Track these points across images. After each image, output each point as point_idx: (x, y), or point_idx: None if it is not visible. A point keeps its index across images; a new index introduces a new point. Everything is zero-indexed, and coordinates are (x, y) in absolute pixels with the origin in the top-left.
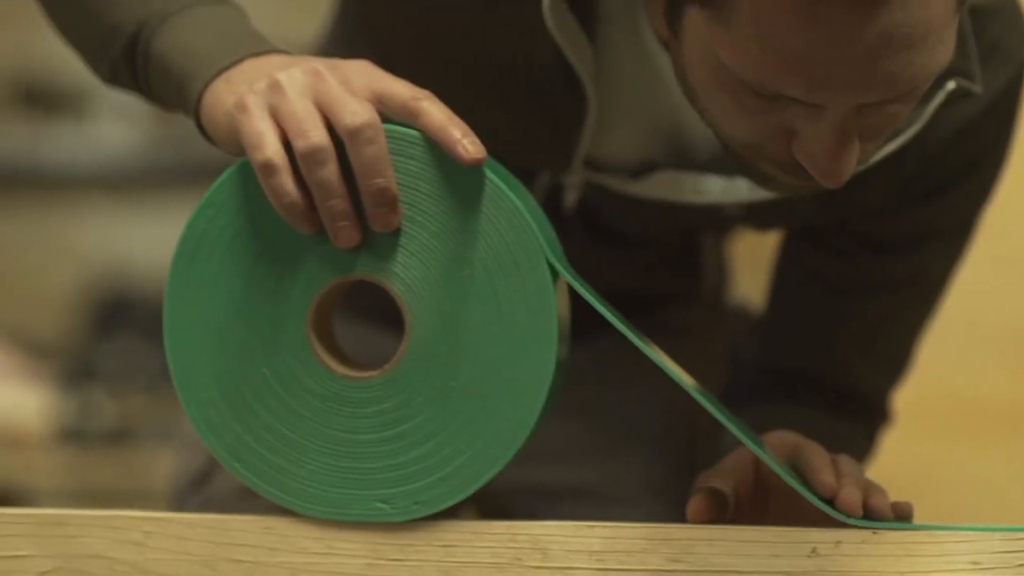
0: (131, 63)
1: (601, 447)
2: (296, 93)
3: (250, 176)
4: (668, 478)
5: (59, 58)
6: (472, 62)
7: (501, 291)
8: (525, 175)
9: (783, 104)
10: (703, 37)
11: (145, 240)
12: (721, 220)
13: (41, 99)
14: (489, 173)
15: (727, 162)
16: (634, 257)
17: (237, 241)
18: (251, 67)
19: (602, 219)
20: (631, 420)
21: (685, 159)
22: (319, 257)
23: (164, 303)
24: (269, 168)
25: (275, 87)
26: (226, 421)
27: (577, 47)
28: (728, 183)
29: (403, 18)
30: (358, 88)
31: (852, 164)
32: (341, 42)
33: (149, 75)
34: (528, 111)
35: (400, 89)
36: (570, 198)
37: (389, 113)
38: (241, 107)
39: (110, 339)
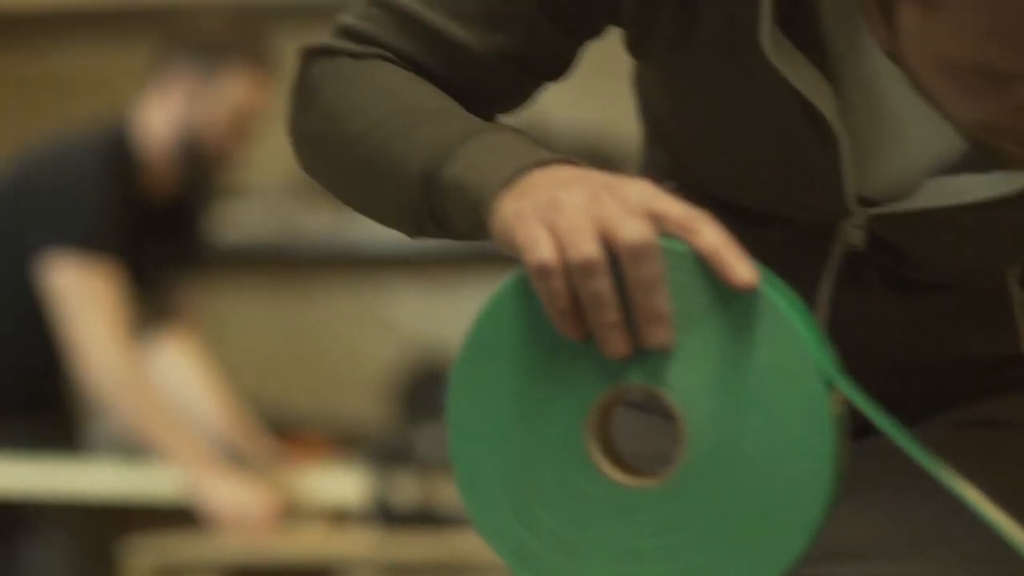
0: (429, 207)
1: (907, 541)
2: (573, 209)
3: (529, 286)
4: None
5: None
6: (729, 132)
7: (775, 400)
8: (818, 238)
9: (1011, 82)
10: (918, 29)
11: (455, 319)
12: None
13: None
14: (761, 285)
15: (977, 156)
16: (933, 309)
17: (517, 348)
18: (537, 180)
19: (894, 264)
20: (939, 512)
21: (938, 166)
22: (594, 365)
23: (448, 407)
24: (543, 271)
25: (553, 203)
26: (509, 524)
27: (810, 82)
28: (986, 178)
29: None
30: (635, 207)
31: None
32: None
33: (446, 208)
34: (785, 163)
35: (676, 209)
36: (855, 236)
37: (665, 232)
38: (518, 216)
39: (420, 419)
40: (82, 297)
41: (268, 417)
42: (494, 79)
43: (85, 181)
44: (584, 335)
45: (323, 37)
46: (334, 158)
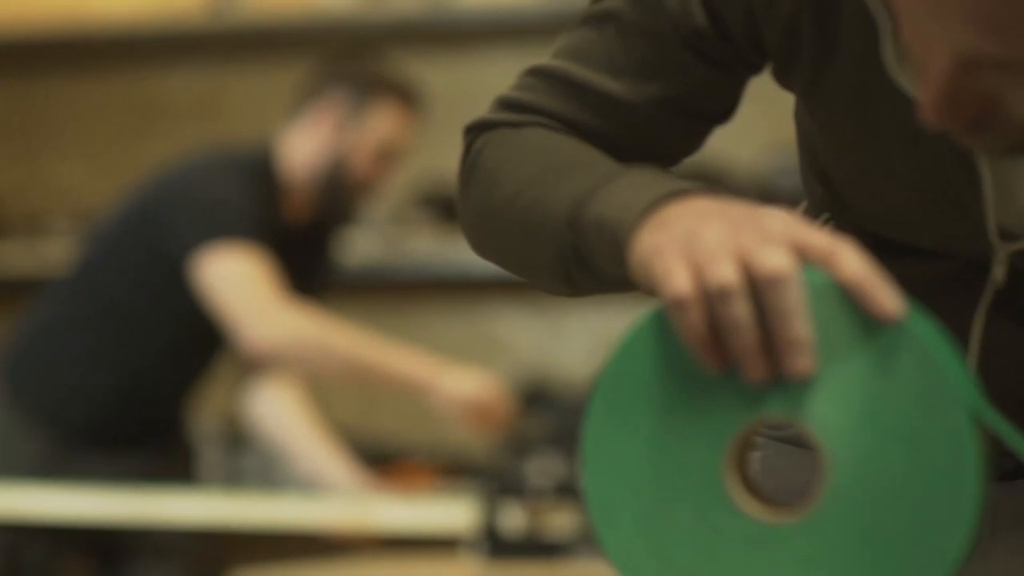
0: (576, 252)
1: None
2: (712, 238)
3: (666, 321)
4: None
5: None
6: (873, 162)
7: (919, 432)
8: (965, 272)
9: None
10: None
11: (562, 343)
12: None
13: (441, 203)
14: (905, 316)
15: None
16: None
17: (654, 383)
18: (674, 212)
19: None
20: None
21: None
22: (732, 398)
23: (583, 443)
24: (680, 302)
25: (691, 233)
26: (645, 561)
27: None
28: None
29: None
30: (775, 236)
31: None
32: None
33: (591, 249)
34: (928, 193)
35: (818, 239)
36: (997, 272)
37: (808, 261)
38: (656, 248)
39: (529, 449)
40: (239, 277)
41: (374, 445)
42: (658, 129)
43: (232, 191)
44: (723, 365)
45: (484, 112)
46: (493, 224)
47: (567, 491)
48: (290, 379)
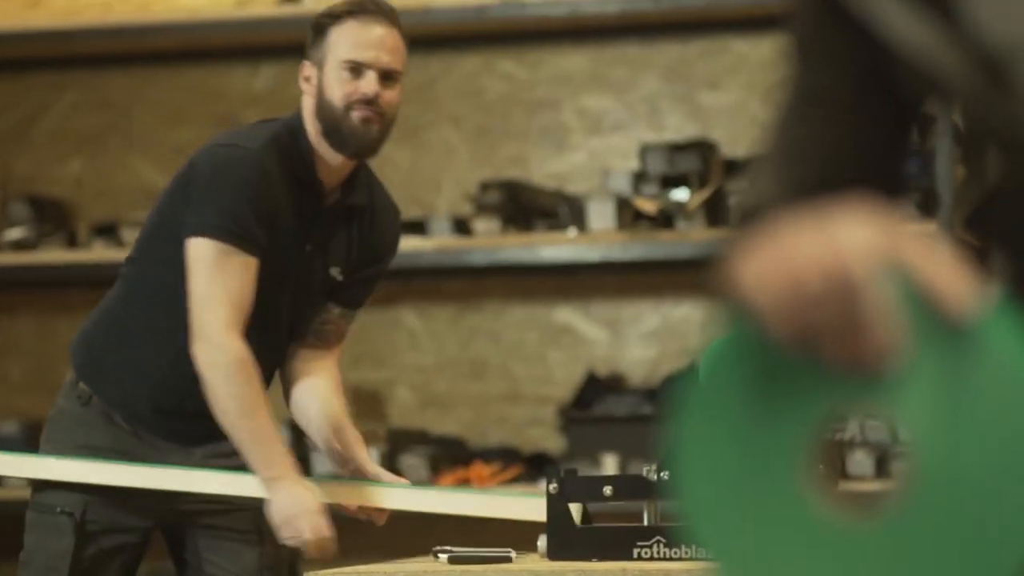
0: None
1: None
2: (801, 242)
3: (753, 322)
4: None
5: (515, 158)
6: None
7: (1003, 430)
8: None
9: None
10: None
11: (631, 338)
12: None
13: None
14: (987, 315)
15: None
16: None
17: (740, 383)
18: (770, 222)
19: None
20: None
21: None
22: (818, 401)
23: (672, 439)
24: (770, 308)
25: (780, 240)
26: (732, 553)
27: None
28: None
29: None
30: (864, 241)
31: None
32: None
33: None
34: None
35: (908, 240)
36: None
37: (895, 262)
38: (749, 257)
39: (592, 446)
40: (207, 285)
41: (446, 445)
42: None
43: (245, 183)
44: (812, 365)
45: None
46: None
47: (637, 487)
48: (329, 368)
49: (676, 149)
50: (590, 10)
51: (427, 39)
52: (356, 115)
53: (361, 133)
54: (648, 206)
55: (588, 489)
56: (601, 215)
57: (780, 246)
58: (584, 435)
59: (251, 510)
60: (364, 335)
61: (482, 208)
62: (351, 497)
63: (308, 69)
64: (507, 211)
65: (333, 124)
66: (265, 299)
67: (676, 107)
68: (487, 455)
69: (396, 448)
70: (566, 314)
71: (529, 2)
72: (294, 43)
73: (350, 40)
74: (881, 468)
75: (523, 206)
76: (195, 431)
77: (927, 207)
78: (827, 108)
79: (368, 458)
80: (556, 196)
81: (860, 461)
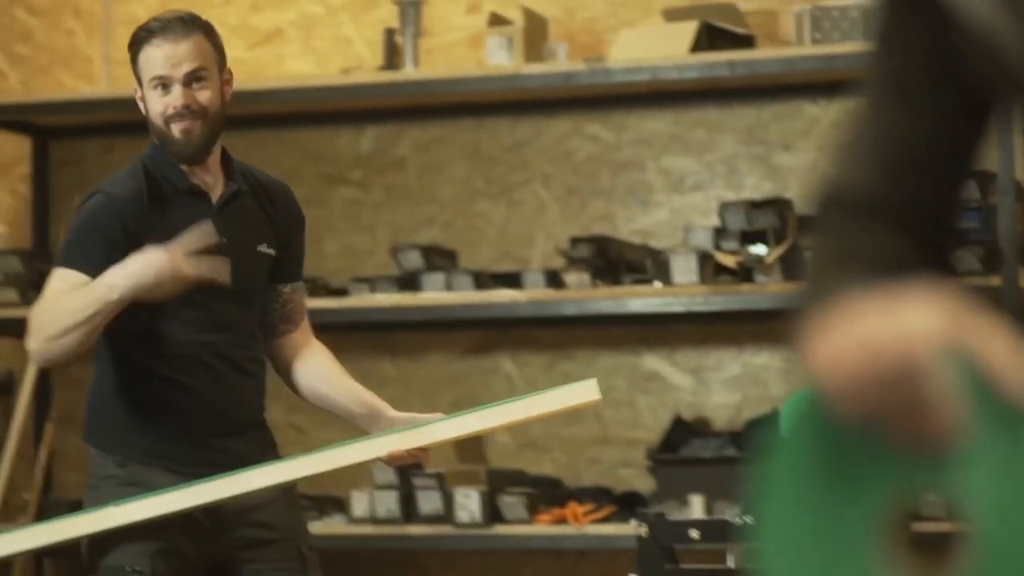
0: None
1: None
2: (872, 323)
3: (824, 401)
4: None
5: (603, 213)
6: None
7: None
8: None
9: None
10: None
11: (716, 385)
12: None
13: (596, 248)
14: None
15: None
16: None
17: (813, 459)
18: (844, 305)
19: None
20: None
21: None
22: (887, 478)
23: (751, 516)
24: (843, 385)
25: (852, 320)
26: None
27: None
28: None
29: None
30: (930, 326)
31: None
32: None
33: None
34: None
35: (971, 324)
36: None
37: (962, 346)
38: (819, 333)
39: (681, 480)
40: (44, 298)
41: (548, 481)
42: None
43: (90, 217)
44: (879, 444)
45: None
46: None
47: (722, 530)
48: (311, 346)
49: (754, 206)
50: (671, 76)
51: (519, 104)
52: (175, 127)
53: (184, 142)
54: (728, 260)
55: (675, 533)
56: (684, 269)
57: (851, 329)
58: (672, 476)
59: (294, 539)
60: (464, 381)
61: (573, 262)
62: (399, 444)
63: (137, 92)
64: (596, 265)
65: (161, 138)
66: (203, 299)
67: (753, 167)
68: (581, 494)
69: (495, 488)
70: (653, 362)
71: (614, 68)
72: (396, 107)
73: (152, 60)
74: (951, 511)
75: (611, 260)
76: (220, 453)
77: (990, 262)
78: (904, 93)
79: (392, 409)
80: (642, 251)
81: (932, 502)
